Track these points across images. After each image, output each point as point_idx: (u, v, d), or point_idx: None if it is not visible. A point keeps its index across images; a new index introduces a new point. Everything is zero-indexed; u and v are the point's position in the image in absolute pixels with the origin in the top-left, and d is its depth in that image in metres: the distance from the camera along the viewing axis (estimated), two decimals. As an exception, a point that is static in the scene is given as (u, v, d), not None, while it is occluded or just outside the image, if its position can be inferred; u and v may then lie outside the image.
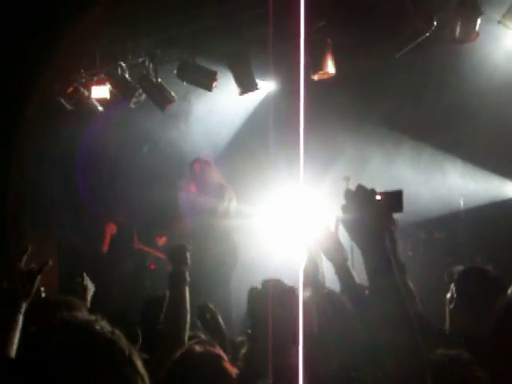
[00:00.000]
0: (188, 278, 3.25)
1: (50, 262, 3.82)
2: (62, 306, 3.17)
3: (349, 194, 2.01)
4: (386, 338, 1.83)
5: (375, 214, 1.98)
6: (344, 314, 2.33)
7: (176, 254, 3.32)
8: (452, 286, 3.69)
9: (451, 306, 3.60)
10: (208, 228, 7.06)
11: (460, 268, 4.27)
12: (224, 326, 3.96)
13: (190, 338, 3.42)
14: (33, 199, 8.42)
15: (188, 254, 3.32)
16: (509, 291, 3.45)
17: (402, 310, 1.85)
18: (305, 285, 2.44)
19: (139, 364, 1.48)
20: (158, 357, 2.92)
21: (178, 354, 2.45)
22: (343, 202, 2.03)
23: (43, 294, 3.91)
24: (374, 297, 1.91)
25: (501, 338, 2.17)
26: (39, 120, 8.00)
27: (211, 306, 4.08)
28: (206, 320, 3.96)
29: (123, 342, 1.48)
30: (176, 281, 3.22)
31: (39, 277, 3.06)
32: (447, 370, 2.24)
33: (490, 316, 2.52)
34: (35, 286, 2.95)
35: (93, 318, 1.51)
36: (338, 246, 2.97)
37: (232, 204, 7.19)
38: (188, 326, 3.11)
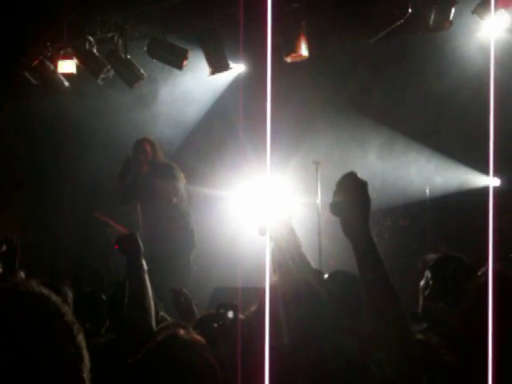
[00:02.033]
0: (145, 266, 3.12)
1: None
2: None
3: (343, 182, 1.97)
4: (378, 326, 1.86)
5: (363, 203, 1.96)
6: (311, 300, 2.28)
7: (128, 244, 3.16)
8: (427, 272, 3.72)
9: (426, 293, 3.63)
10: (163, 211, 6.92)
11: (434, 256, 4.31)
12: (196, 311, 3.96)
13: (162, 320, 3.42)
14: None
15: (140, 241, 3.18)
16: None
17: (394, 299, 1.88)
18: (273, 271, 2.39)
19: (82, 344, 1.42)
20: (125, 340, 2.88)
21: (162, 337, 2.39)
22: (337, 189, 1.99)
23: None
24: (366, 288, 1.91)
25: (471, 322, 2.17)
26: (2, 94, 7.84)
27: (185, 290, 4.09)
28: (180, 303, 3.95)
29: (71, 318, 1.43)
30: (134, 270, 3.09)
31: None
32: None
33: (461, 302, 2.53)
34: None
35: (46, 290, 1.44)
36: (291, 233, 2.91)
37: (183, 184, 7.04)
38: (153, 311, 3.03)
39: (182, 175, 6.99)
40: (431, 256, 4.51)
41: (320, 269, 3.04)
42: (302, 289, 2.36)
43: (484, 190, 7.72)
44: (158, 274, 6.29)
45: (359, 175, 2.00)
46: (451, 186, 8.16)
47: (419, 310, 3.69)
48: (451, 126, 7.76)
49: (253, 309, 2.42)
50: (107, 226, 7.88)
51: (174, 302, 3.99)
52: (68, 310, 1.44)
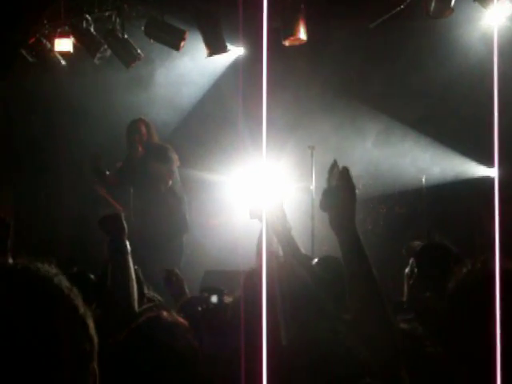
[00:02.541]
0: (129, 247, 3.03)
1: None
2: None
3: (331, 180, 1.98)
4: (359, 316, 1.90)
5: (350, 200, 1.99)
6: (295, 285, 2.27)
7: (112, 224, 3.06)
8: (411, 260, 3.66)
9: (411, 281, 3.58)
10: (158, 194, 6.88)
11: (419, 243, 4.26)
12: (188, 292, 3.98)
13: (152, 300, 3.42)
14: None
15: (124, 222, 3.09)
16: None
17: (376, 292, 1.90)
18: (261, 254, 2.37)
19: (91, 327, 1.40)
20: (107, 320, 2.85)
21: (144, 318, 2.37)
22: (328, 186, 1.99)
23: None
24: (349, 280, 1.94)
25: (456, 311, 2.15)
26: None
27: (177, 270, 4.08)
28: (172, 283, 3.94)
29: (79, 301, 1.41)
30: (116, 252, 3.00)
31: None
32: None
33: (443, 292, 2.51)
34: None
35: (54, 271, 1.42)
36: (281, 217, 2.89)
37: (177, 167, 6.99)
38: (136, 293, 2.98)
39: (176, 157, 6.95)
40: (416, 243, 4.44)
41: (309, 254, 3.03)
42: (286, 273, 2.34)
43: (481, 181, 7.72)
44: (150, 256, 6.35)
45: (348, 172, 2.02)
46: (448, 175, 8.14)
47: (404, 299, 3.65)
48: (451, 115, 7.72)
49: (236, 294, 2.40)
50: (100, 200, 7.82)
51: (165, 282, 3.98)
52: (80, 301, 1.42)
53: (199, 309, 2.90)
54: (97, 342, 1.41)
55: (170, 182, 6.89)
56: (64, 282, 1.40)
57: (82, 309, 1.40)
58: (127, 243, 3.05)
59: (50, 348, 1.30)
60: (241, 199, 7.37)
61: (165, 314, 2.39)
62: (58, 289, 1.38)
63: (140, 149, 6.81)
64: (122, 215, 3.13)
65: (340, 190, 1.97)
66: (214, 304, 2.86)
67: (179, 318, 2.42)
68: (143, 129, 6.92)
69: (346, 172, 2.02)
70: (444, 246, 3.74)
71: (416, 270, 3.56)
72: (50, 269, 1.41)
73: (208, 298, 2.88)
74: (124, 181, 7.07)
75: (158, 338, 2.25)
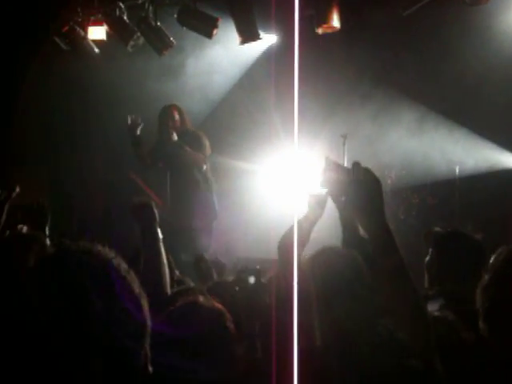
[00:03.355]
0: (160, 235, 3.07)
1: (18, 189, 3.78)
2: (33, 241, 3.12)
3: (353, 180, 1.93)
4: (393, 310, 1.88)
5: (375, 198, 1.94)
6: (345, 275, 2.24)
7: (143, 212, 3.11)
8: (431, 250, 3.58)
9: (432, 271, 3.52)
10: (193, 179, 6.91)
11: (438, 230, 4.15)
12: (216, 277, 4.03)
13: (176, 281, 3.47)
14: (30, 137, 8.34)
15: (155, 209, 3.12)
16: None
17: (409, 287, 1.87)
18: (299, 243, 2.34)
19: (145, 308, 1.52)
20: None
21: (181, 303, 2.39)
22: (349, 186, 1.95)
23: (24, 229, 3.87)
24: (381, 274, 1.92)
25: (495, 299, 2.15)
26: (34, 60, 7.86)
27: (206, 256, 4.18)
28: (201, 269, 4.02)
29: (135, 283, 1.53)
30: (148, 238, 3.05)
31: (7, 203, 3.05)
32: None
33: (472, 280, 2.49)
34: (3, 212, 2.91)
35: (112, 254, 1.54)
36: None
37: (208, 153, 7.00)
38: (168, 277, 3.02)
39: (208, 144, 6.97)
40: (435, 230, 4.30)
41: (339, 241, 3.01)
42: (319, 262, 2.32)
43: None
44: (181, 241, 6.41)
45: (368, 169, 1.95)
46: (481, 166, 8.03)
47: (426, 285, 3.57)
48: (485, 105, 7.60)
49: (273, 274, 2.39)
50: (138, 190, 7.88)
51: (194, 267, 4.05)
52: (136, 283, 1.53)
53: (236, 289, 2.94)
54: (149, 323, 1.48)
55: (205, 167, 6.92)
56: (123, 265, 1.50)
57: (137, 289, 1.48)
58: (158, 230, 3.08)
59: (109, 325, 1.37)
60: (272, 188, 7.37)
61: (201, 298, 2.40)
62: (117, 270, 1.46)
63: (173, 134, 6.81)
64: (153, 203, 3.16)
65: (365, 184, 1.91)
66: (252, 285, 2.90)
67: (215, 302, 2.44)
68: (176, 114, 6.94)
69: (361, 167, 1.95)
70: (464, 234, 3.62)
71: (437, 259, 3.48)
72: (109, 252, 1.50)
73: (246, 279, 2.93)
74: (156, 162, 7.09)
75: (192, 325, 2.26)
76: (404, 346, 1.88)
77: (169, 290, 3.03)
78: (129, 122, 6.91)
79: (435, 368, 1.83)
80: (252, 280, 2.95)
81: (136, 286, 1.50)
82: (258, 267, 3.05)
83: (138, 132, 6.93)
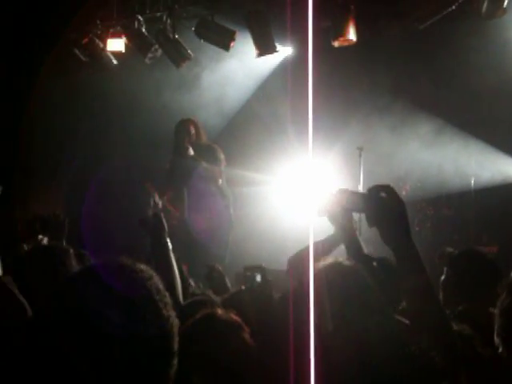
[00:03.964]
0: (170, 245, 3.13)
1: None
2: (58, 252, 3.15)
3: (373, 195, 1.95)
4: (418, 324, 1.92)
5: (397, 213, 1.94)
6: (358, 288, 2.26)
7: (152, 223, 3.18)
8: (446, 269, 3.59)
9: (447, 291, 3.51)
10: (209, 193, 6.95)
11: (452, 250, 4.15)
12: (230, 286, 4.02)
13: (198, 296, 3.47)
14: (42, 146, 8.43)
15: (164, 221, 3.18)
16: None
17: (434, 304, 1.90)
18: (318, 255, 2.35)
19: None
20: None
21: (199, 316, 2.42)
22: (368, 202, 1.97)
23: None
24: (407, 293, 1.94)
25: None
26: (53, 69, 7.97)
27: (218, 266, 4.16)
28: (213, 278, 4.01)
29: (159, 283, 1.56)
30: (159, 249, 3.11)
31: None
32: None
33: (488, 300, 2.49)
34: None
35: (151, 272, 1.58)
36: (348, 218, 2.87)
37: (224, 166, 7.03)
38: (180, 289, 3.05)
39: (223, 157, 7.00)
40: (448, 250, 4.31)
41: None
42: (349, 275, 2.32)
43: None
44: (198, 253, 6.45)
45: (389, 186, 1.96)
46: (497, 178, 8.01)
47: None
48: (502, 117, 7.59)
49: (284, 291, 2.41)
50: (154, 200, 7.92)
51: (207, 278, 4.05)
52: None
53: (242, 288, 2.95)
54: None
55: (220, 182, 6.96)
56: (159, 286, 1.56)
57: (166, 313, 1.51)
58: (168, 240, 3.14)
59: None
60: (287, 200, 7.39)
61: (219, 311, 2.43)
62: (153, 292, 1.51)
63: (189, 149, 6.86)
64: (162, 215, 3.21)
65: (389, 204, 1.92)
66: (258, 283, 2.90)
67: (233, 315, 2.46)
68: (192, 129, 6.97)
69: (389, 187, 1.97)
70: (479, 254, 3.65)
71: (453, 279, 3.49)
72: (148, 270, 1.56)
73: (252, 277, 2.92)
74: (175, 180, 7.11)
75: (210, 338, 2.30)
76: (433, 364, 1.89)
77: (182, 300, 3.05)
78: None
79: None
80: (258, 278, 2.95)
81: (165, 311, 1.50)
82: (262, 264, 3.04)
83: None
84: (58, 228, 4.40)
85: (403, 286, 1.93)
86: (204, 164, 6.83)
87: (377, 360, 1.96)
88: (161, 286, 1.54)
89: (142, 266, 1.54)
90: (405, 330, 2.11)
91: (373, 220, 1.93)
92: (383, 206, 1.90)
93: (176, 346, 1.49)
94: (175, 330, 1.50)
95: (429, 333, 1.88)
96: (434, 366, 1.88)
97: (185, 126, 6.96)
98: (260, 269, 2.98)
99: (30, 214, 4.03)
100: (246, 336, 2.37)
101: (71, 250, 3.20)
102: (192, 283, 4.05)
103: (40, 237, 4.23)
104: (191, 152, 6.84)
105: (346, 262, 2.28)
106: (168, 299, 1.54)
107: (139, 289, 1.47)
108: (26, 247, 3.84)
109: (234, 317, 2.44)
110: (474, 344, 2.31)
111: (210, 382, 2.26)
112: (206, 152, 6.93)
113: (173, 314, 1.52)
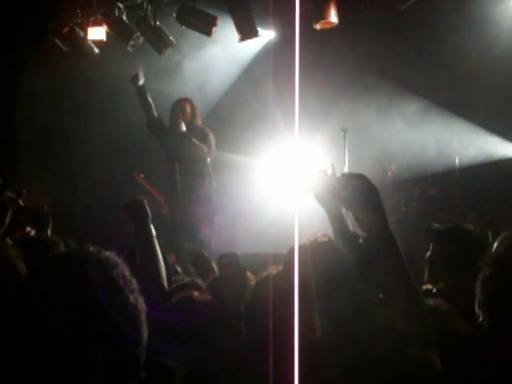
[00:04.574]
0: (154, 231, 3.09)
1: (25, 191, 3.84)
2: (50, 244, 3.15)
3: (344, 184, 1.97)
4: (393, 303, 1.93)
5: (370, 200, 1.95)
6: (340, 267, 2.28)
7: (135, 209, 3.12)
8: (432, 246, 3.61)
9: (432, 266, 3.54)
10: (198, 170, 6.96)
11: (438, 226, 4.17)
12: (216, 271, 4.02)
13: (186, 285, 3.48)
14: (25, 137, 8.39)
15: (147, 207, 3.13)
16: (494, 245, 3.40)
17: (409, 288, 1.91)
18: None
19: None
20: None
21: (175, 299, 2.43)
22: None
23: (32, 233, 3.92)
24: (382, 274, 1.95)
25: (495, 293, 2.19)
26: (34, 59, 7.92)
27: (205, 252, 4.14)
28: (198, 264, 4.00)
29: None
30: (142, 235, 3.06)
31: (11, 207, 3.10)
32: None
33: (472, 275, 2.52)
34: (7, 215, 2.95)
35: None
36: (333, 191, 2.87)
37: (213, 150, 7.04)
38: (165, 274, 3.05)
39: (214, 142, 7.01)
40: (434, 226, 4.32)
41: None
42: (330, 253, 2.33)
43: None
44: (184, 238, 6.47)
45: (356, 174, 1.97)
46: (481, 155, 8.07)
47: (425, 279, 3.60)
48: (485, 95, 7.64)
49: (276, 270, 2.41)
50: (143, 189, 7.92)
51: (193, 265, 4.04)
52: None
53: (217, 275, 2.96)
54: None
55: (208, 160, 6.96)
56: (125, 273, 1.60)
57: (133, 301, 1.56)
58: (151, 227, 3.11)
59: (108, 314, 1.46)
60: (273, 182, 7.41)
61: (196, 293, 2.45)
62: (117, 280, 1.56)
63: (182, 124, 6.86)
64: (145, 201, 3.19)
65: (362, 191, 1.93)
66: (232, 269, 2.91)
67: (209, 296, 2.48)
68: (188, 108, 6.99)
69: (362, 175, 1.97)
70: (462, 229, 3.67)
71: (438, 254, 3.52)
72: (114, 258, 1.61)
73: (226, 264, 2.94)
74: (160, 134, 7.07)
75: (187, 321, 2.33)
76: (404, 336, 1.92)
77: (166, 286, 3.04)
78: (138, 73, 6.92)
79: (433, 358, 1.88)
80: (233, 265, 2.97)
81: (133, 298, 1.55)
82: (237, 252, 3.05)
83: (141, 82, 6.95)
84: (42, 220, 4.39)
85: (378, 270, 1.95)
86: (194, 140, 6.83)
87: (350, 334, 2.00)
88: (127, 273, 1.58)
89: (108, 254, 1.58)
90: (375, 304, 2.13)
91: (346, 205, 1.96)
92: (355, 193, 1.91)
93: (145, 331, 1.55)
94: (143, 316, 1.56)
95: (401, 308, 1.91)
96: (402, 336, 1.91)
97: (181, 104, 6.99)
98: (234, 256, 2.99)
99: (15, 205, 3.99)
100: (222, 316, 2.39)
101: (61, 242, 3.20)
102: (179, 269, 4.04)
103: (28, 229, 4.22)
104: (183, 127, 6.83)
105: (322, 239, 2.30)
106: (135, 285, 1.58)
107: (105, 277, 1.51)
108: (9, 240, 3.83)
109: (210, 297, 2.47)
110: (452, 318, 2.34)
111: (189, 356, 2.29)
112: (199, 133, 6.94)
113: (140, 300, 1.57)
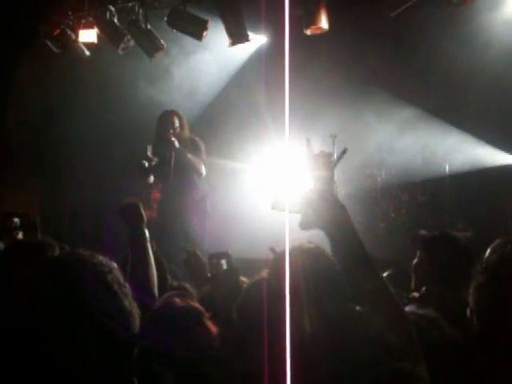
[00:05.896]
0: (147, 235, 3.10)
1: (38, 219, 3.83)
2: (45, 247, 3.13)
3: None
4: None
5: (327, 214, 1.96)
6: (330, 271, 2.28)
7: (130, 213, 3.14)
8: (420, 253, 3.58)
9: (420, 275, 3.52)
10: (192, 184, 6.96)
11: (425, 233, 4.14)
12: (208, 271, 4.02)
13: (174, 288, 3.45)
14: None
15: (142, 211, 3.15)
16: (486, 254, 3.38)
17: (393, 306, 1.92)
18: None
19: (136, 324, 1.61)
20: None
21: (158, 305, 2.43)
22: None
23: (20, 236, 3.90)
24: (357, 284, 1.94)
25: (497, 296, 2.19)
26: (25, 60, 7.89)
27: (198, 252, 4.16)
28: (191, 264, 4.02)
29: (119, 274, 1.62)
30: (136, 239, 3.07)
31: None
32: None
33: (461, 282, 2.51)
34: None
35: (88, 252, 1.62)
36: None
37: (204, 158, 7.04)
38: (156, 280, 3.03)
39: (204, 149, 7.02)
40: (421, 233, 4.29)
41: None
42: (310, 259, 2.32)
43: (504, 168, 7.68)
44: (177, 242, 6.47)
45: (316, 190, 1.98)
46: (471, 163, 8.10)
47: (412, 289, 3.58)
48: (474, 103, 7.67)
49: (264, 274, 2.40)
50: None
51: (186, 264, 4.03)
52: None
53: (209, 275, 2.94)
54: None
55: (204, 172, 6.96)
56: (119, 278, 1.64)
57: (127, 307, 1.59)
58: (146, 231, 3.12)
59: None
60: (263, 187, 7.40)
61: (177, 300, 2.44)
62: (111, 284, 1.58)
63: (175, 141, 6.80)
64: (140, 204, 3.18)
65: (327, 211, 1.94)
66: (224, 269, 2.89)
67: (193, 302, 2.47)
68: (176, 121, 6.94)
69: (327, 191, 1.99)
70: (451, 236, 3.61)
71: (426, 262, 3.47)
72: (108, 263, 1.64)
73: (218, 264, 2.92)
74: (161, 174, 7.01)
75: (168, 326, 2.32)
76: (394, 348, 1.92)
77: (156, 291, 3.02)
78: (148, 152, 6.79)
79: (421, 373, 1.88)
80: (225, 264, 2.94)
81: (127, 302, 1.56)
82: (228, 251, 3.03)
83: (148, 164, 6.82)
84: (30, 226, 4.36)
85: (359, 290, 1.95)
86: (189, 156, 6.83)
87: (344, 341, 1.99)
88: (121, 279, 1.59)
89: (102, 259, 1.57)
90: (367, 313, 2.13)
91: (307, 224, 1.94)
92: (320, 212, 1.90)
93: (139, 335, 1.56)
94: (137, 320, 1.57)
95: (388, 325, 1.91)
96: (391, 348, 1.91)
97: (169, 117, 6.92)
98: (226, 255, 2.97)
99: (4, 208, 3.97)
100: (207, 323, 2.39)
101: (56, 245, 3.19)
102: (168, 276, 4.02)
103: (19, 234, 4.19)
104: (177, 144, 6.80)
105: (308, 245, 2.29)
106: (128, 290, 1.58)
107: (100, 281, 1.51)
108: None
109: (194, 304, 2.46)
110: (441, 324, 2.34)
111: (172, 369, 2.28)
112: (190, 144, 6.93)
113: (134, 304, 1.58)
